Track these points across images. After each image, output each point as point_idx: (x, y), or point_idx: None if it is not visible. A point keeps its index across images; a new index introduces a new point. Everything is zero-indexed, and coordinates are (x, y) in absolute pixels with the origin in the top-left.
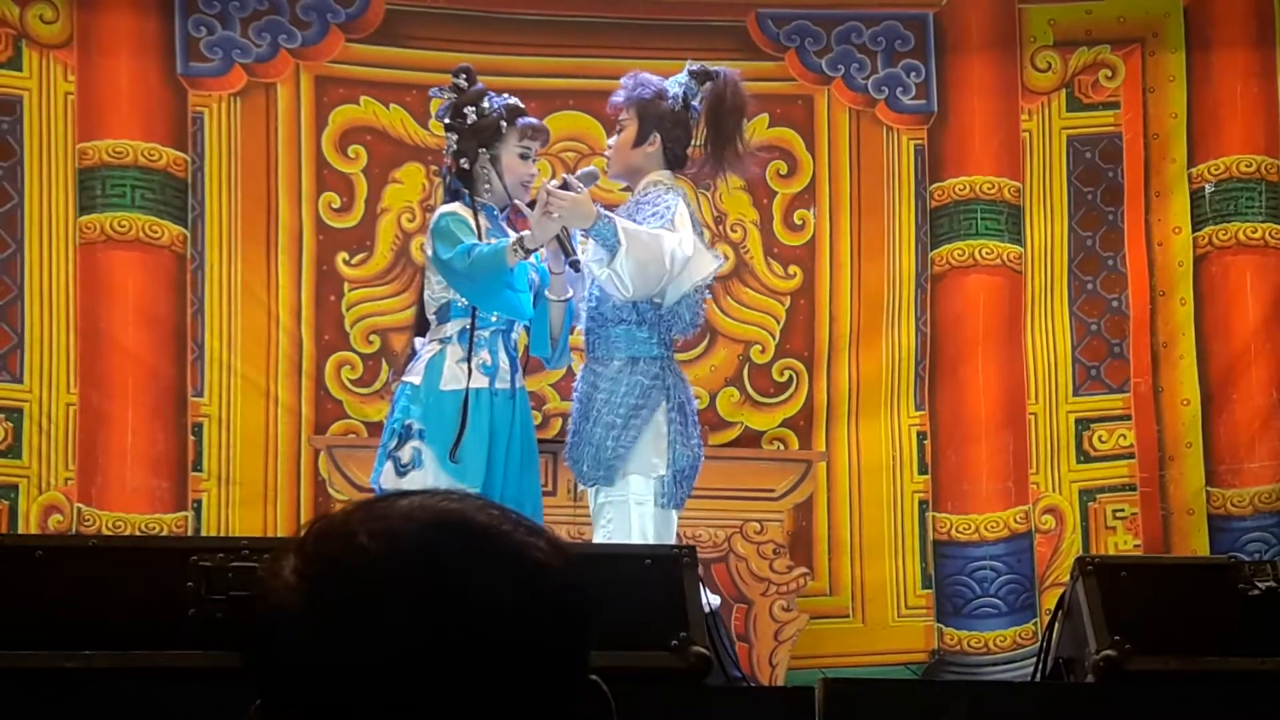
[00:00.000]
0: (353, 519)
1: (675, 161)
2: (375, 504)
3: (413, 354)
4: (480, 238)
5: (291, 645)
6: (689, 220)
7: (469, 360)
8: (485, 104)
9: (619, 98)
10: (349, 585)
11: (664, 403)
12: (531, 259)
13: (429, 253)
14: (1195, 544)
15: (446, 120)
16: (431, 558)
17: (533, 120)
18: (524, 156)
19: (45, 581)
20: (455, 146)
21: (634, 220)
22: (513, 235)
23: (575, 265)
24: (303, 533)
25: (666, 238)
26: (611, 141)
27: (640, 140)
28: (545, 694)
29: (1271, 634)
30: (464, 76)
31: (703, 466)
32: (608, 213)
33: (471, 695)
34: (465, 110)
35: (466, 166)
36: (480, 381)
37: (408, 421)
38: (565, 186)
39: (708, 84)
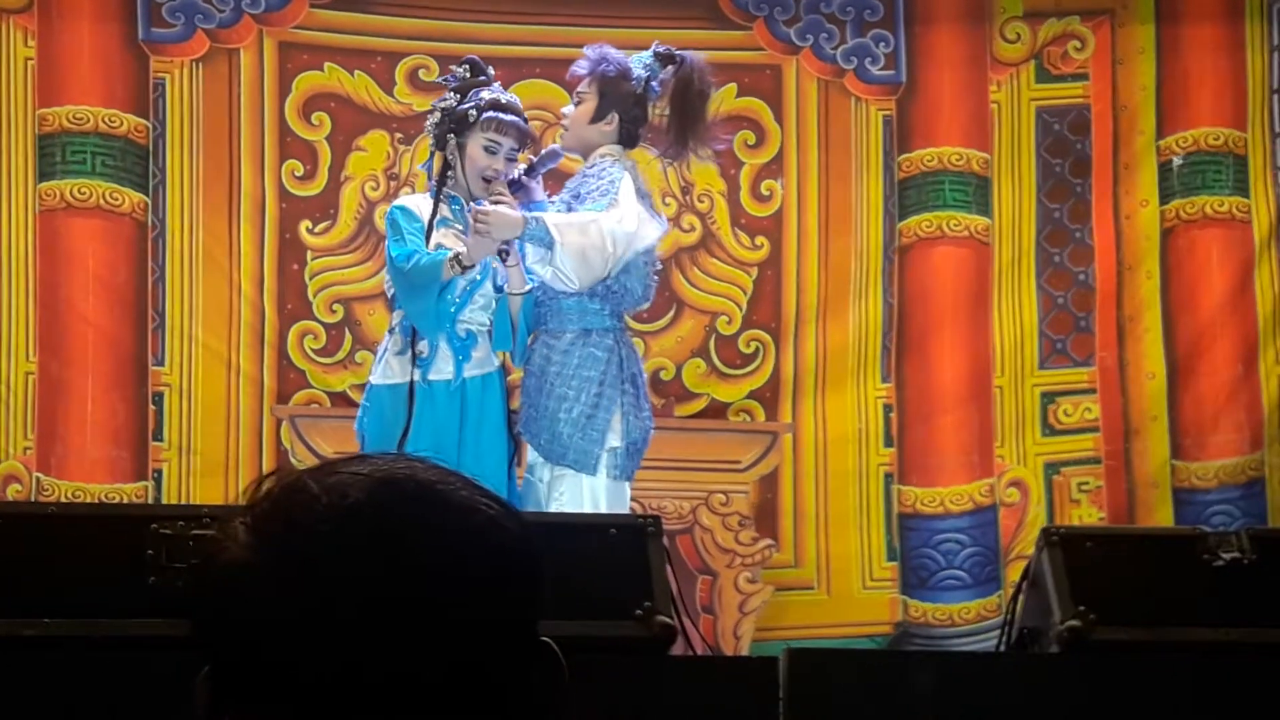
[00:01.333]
0: (304, 475)
1: (628, 140)
2: (328, 464)
3: None
4: (429, 228)
5: (241, 603)
6: (633, 193)
7: (412, 348)
8: (471, 95)
9: (581, 69)
10: (299, 540)
11: (618, 375)
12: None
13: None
14: (1160, 517)
15: (433, 105)
16: (383, 513)
17: (506, 117)
18: (489, 150)
19: (4, 549)
20: (433, 132)
21: (579, 194)
22: (453, 248)
23: (503, 254)
24: (253, 490)
25: (603, 220)
26: (567, 110)
27: (598, 117)
28: (498, 651)
29: (1235, 604)
30: (466, 66)
31: (669, 438)
32: (536, 215)
33: (423, 652)
34: (449, 96)
35: (437, 150)
36: (409, 374)
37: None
38: (515, 183)
39: (670, 66)
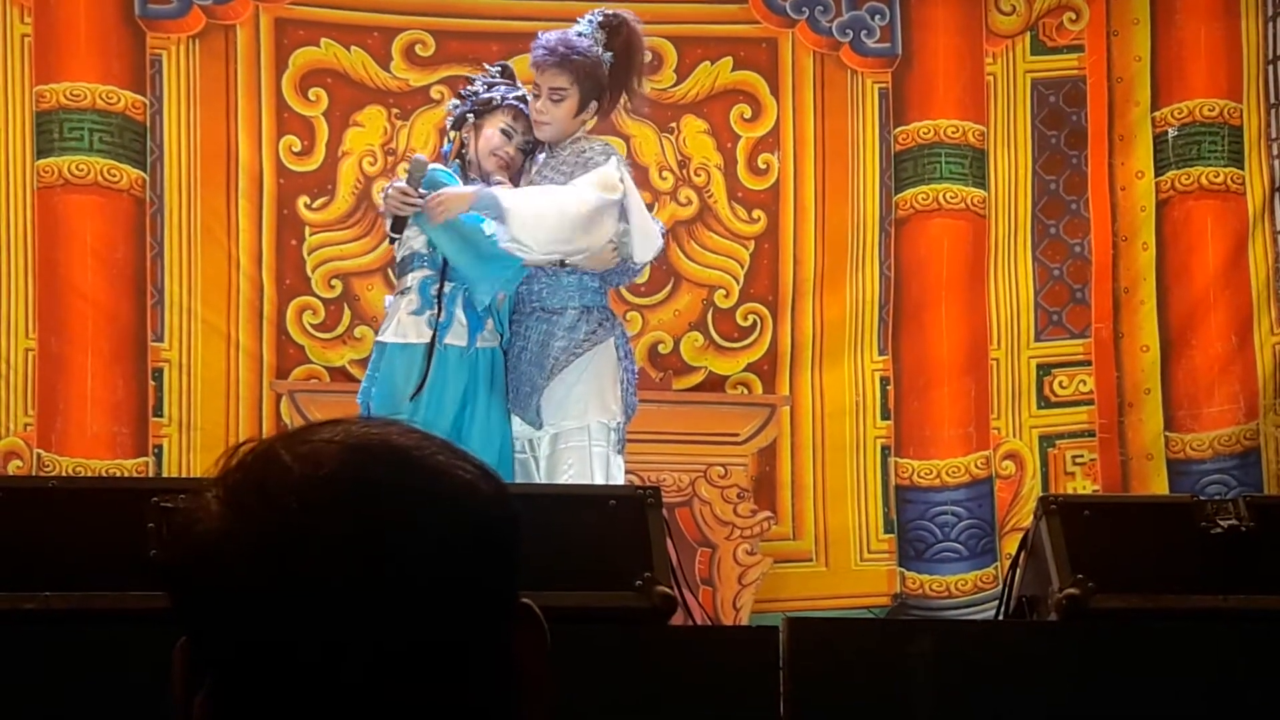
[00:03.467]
0: (276, 443)
1: (601, 113)
2: (299, 430)
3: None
4: None
5: (215, 574)
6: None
7: (437, 309)
8: (497, 88)
9: (549, 61)
10: (272, 507)
11: (616, 350)
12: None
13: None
14: (1154, 488)
15: (460, 91)
16: (355, 478)
17: (526, 108)
18: (505, 133)
19: (4, 523)
20: (454, 113)
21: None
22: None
23: None
24: (226, 460)
25: (559, 190)
26: (540, 106)
27: (581, 109)
28: (476, 616)
29: (1233, 572)
30: (499, 68)
31: (667, 411)
32: (486, 188)
33: (399, 618)
34: (478, 81)
35: (454, 131)
36: (425, 335)
37: (368, 404)
38: (411, 182)
39: (616, 32)
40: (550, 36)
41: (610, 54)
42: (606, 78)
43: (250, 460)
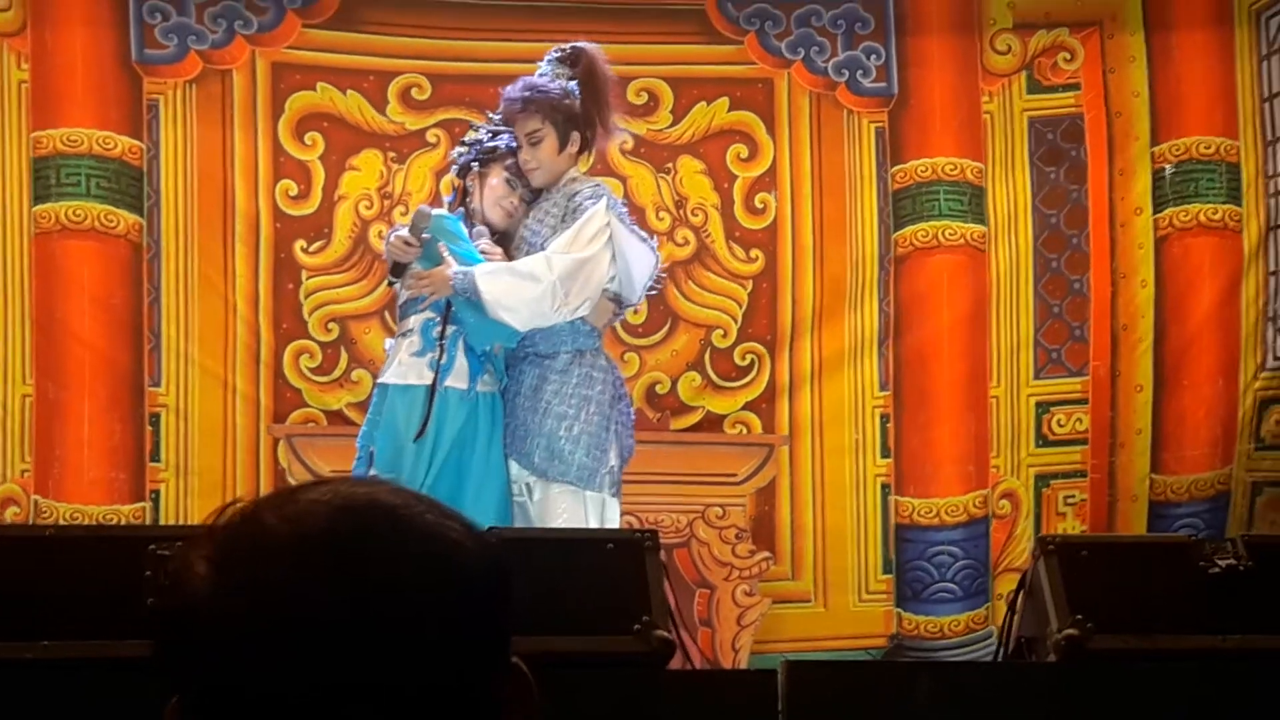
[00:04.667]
0: (262, 504)
1: (588, 146)
2: (287, 490)
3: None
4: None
5: (203, 633)
6: (601, 225)
7: (439, 352)
8: (502, 136)
9: (517, 107)
10: (256, 569)
11: (611, 394)
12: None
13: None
14: (1136, 530)
15: (464, 139)
16: (339, 539)
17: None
18: (509, 184)
19: (2, 572)
20: (459, 160)
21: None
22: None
23: None
24: (215, 522)
25: (535, 264)
26: (525, 155)
27: (564, 145)
28: (463, 676)
29: (1231, 612)
30: (501, 116)
31: (665, 451)
32: (464, 270)
33: (385, 678)
34: (482, 129)
35: (458, 178)
36: (426, 377)
37: (370, 448)
38: (413, 232)
39: (575, 63)
40: (514, 85)
41: (575, 84)
42: (578, 108)
43: (237, 521)
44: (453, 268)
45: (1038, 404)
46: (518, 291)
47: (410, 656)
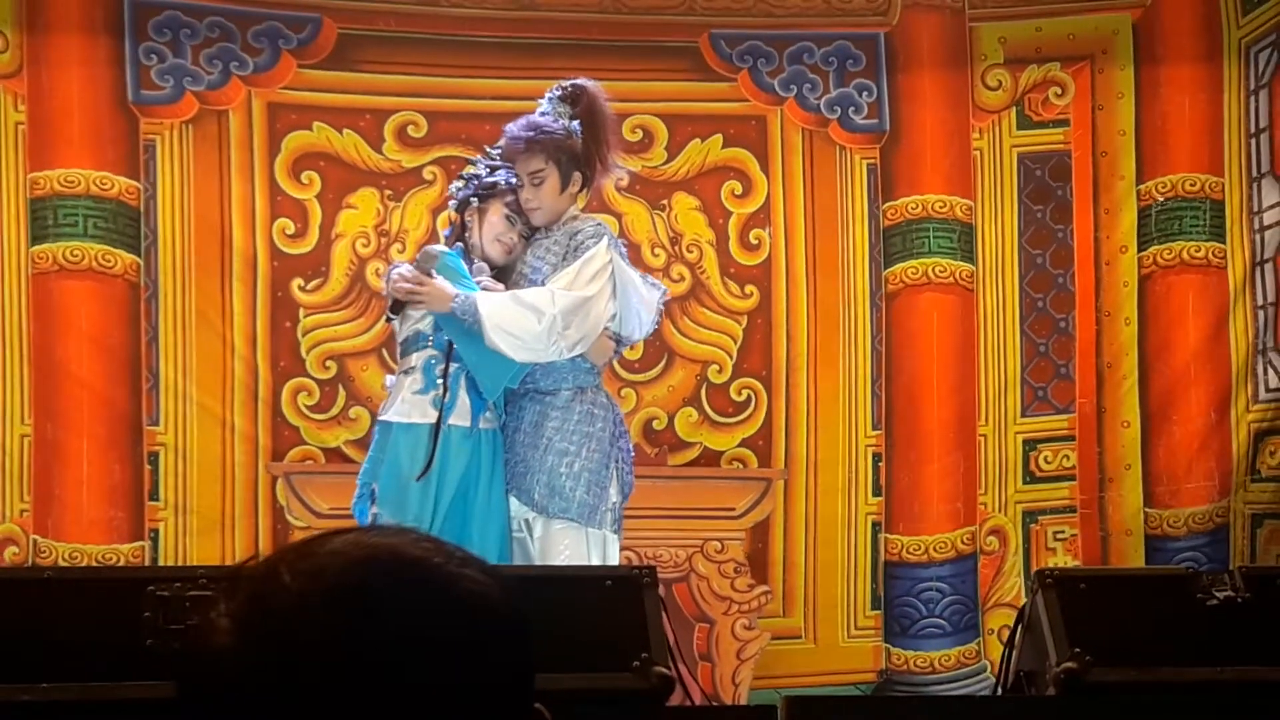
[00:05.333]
0: (281, 559)
1: (589, 185)
2: (306, 543)
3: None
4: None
5: (225, 688)
6: (603, 265)
7: (442, 390)
8: (500, 171)
9: (519, 146)
10: (274, 625)
11: (611, 430)
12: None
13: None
14: (1133, 564)
15: (463, 174)
16: (357, 594)
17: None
18: (509, 220)
19: (1, 614)
20: (457, 195)
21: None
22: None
23: None
24: (235, 577)
25: (538, 297)
26: (527, 194)
27: (565, 185)
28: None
29: (1230, 643)
30: (500, 150)
31: (663, 486)
32: (467, 294)
33: None
34: (481, 163)
35: (457, 213)
36: (430, 415)
37: (372, 485)
38: (425, 261)
39: (576, 101)
40: (516, 123)
41: (577, 123)
42: (580, 147)
43: (256, 573)
44: (453, 289)
45: (1025, 441)
46: (519, 320)
47: (431, 706)
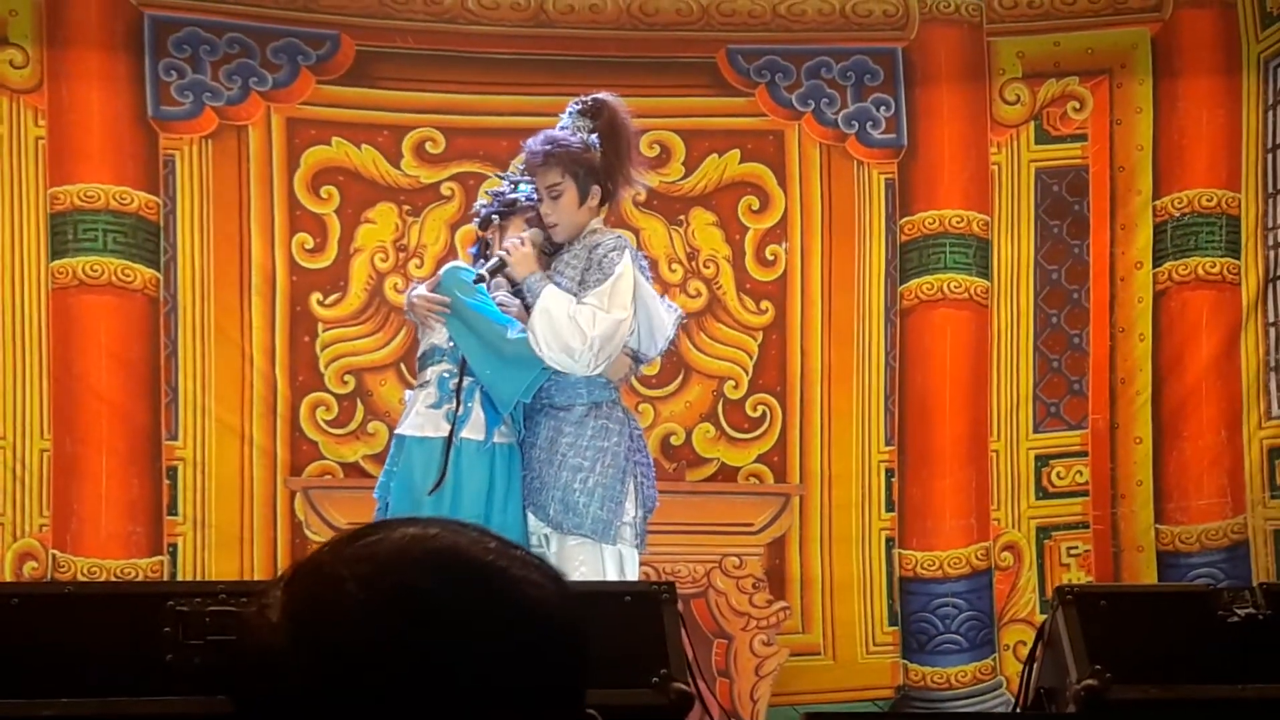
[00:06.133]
0: (340, 557)
1: (609, 199)
2: (364, 537)
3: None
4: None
5: (276, 685)
6: (631, 283)
7: (455, 404)
8: (521, 189)
9: (537, 160)
10: (334, 629)
11: (630, 446)
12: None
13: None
14: (1145, 580)
15: (488, 190)
16: (419, 599)
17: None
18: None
19: (21, 629)
20: (480, 212)
21: (584, 280)
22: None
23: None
24: (290, 571)
25: (585, 317)
26: (546, 208)
27: (583, 198)
28: None
29: (1251, 660)
30: (524, 167)
31: (681, 502)
32: (544, 276)
33: None
34: (505, 180)
35: (480, 230)
36: (443, 429)
37: (387, 499)
38: (499, 267)
39: (598, 115)
40: (535, 137)
41: (596, 136)
42: (599, 161)
43: (313, 571)
44: (536, 267)
45: (1037, 457)
46: (565, 329)
47: (485, 708)
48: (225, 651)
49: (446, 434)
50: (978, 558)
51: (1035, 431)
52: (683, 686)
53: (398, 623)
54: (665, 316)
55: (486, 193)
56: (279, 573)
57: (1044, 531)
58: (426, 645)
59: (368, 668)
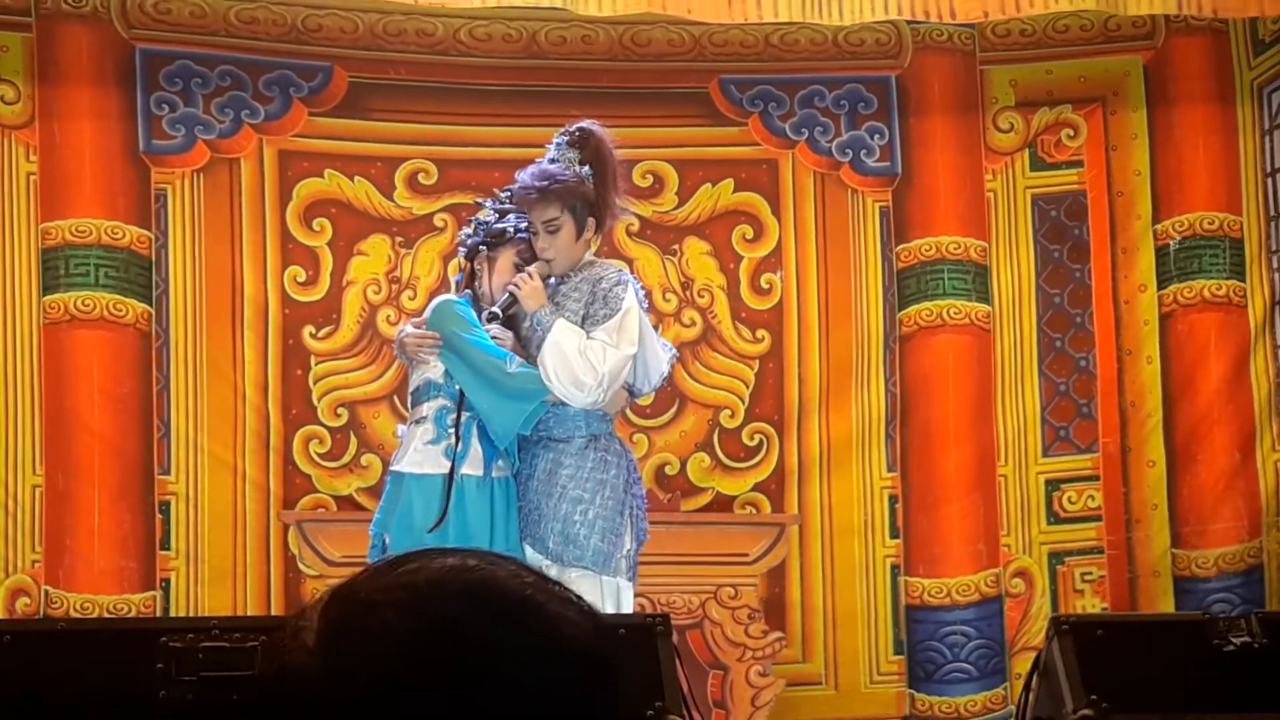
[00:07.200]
0: (377, 585)
1: (601, 229)
2: (401, 566)
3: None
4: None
5: (310, 710)
6: (636, 315)
7: (454, 439)
8: (509, 218)
9: (533, 195)
10: (370, 656)
11: (625, 478)
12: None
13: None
14: (1161, 606)
15: (472, 219)
16: (456, 629)
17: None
18: (518, 268)
19: (14, 666)
20: (466, 242)
21: (589, 314)
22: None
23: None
24: (327, 596)
25: (596, 353)
26: (542, 243)
27: (580, 232)
28: None
29: (1247, 689)
30: (509, 193)
31: (676, 532)
32: (554, 310)
33: None
34: (490, 208)
35: (466, 260)
36: (442, 465)
37: (384, 536)
38: (511, 303)
39: (585, 146)
40: (527, 172)
41: (587, 167)
42: (593, 192)
43: (350, 598)
44: (545, 300)
45: (1047, 482)
46: (577, 364)
47: None
48: (264, 674)
49: (446, 470)
50: (987, 584)
51: (1044, 455)
52: (678, 718)
53: (434, 652)
54: (661, 354)
55: (471, 221)
56: (271, 607)
57: (1056, 557)
58: (461, 675)
59: (402, 695)
